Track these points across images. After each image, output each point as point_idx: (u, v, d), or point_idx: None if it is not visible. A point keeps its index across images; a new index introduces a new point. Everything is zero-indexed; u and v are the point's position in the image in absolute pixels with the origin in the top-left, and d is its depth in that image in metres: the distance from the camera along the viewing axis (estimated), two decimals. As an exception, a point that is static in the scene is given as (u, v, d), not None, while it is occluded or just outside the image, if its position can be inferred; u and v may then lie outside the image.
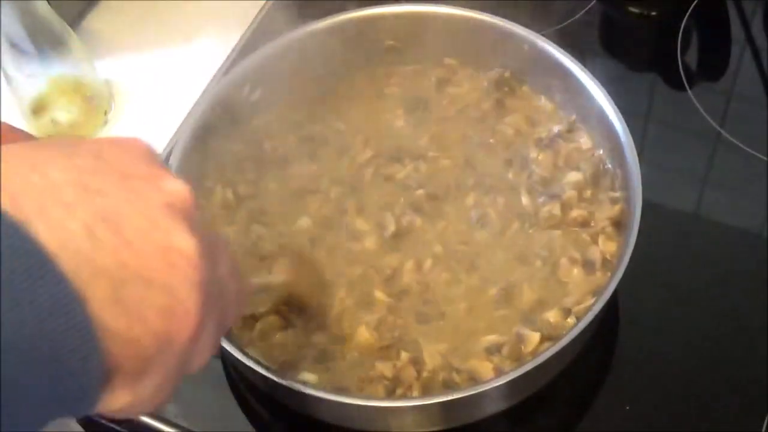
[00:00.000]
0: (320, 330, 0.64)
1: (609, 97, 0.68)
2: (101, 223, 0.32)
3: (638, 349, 0.68)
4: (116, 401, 0.35)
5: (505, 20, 0.74)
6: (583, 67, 0.70)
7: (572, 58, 0.71)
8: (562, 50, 0.72)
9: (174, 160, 0.67)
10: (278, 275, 0.63)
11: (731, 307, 0.70)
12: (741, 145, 0.78)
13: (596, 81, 0.69)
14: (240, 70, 0.73)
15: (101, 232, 0.32)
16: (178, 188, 0.36)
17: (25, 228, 0.30)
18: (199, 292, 0.35)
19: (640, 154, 0.65)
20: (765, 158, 0.77)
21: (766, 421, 0.63)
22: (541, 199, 0.69)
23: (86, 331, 0.31)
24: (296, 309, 0.64)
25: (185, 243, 0.35)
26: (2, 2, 0.72)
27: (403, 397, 0.60)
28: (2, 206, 0.30)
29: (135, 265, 0.33)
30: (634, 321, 0.69)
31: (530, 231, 0.68)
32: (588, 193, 0.69)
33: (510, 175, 0.71)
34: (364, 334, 0.62)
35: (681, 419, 0.64)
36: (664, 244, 0.73)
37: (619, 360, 0.68)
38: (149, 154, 0.37)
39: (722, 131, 0.80)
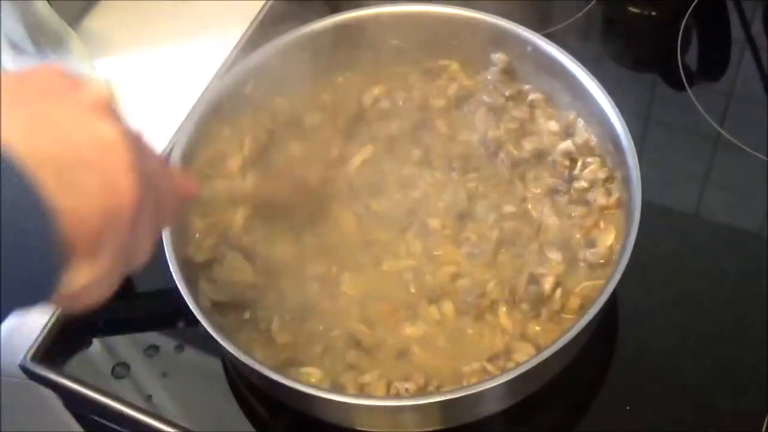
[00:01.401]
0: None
1: (610, 98, 0.68)
2: (38, 124, 0.39)
3: (638, 349, 0.68)
4: (75, 280, 0.40)
5: (507, 20, 0.74)
6: (584, 68, 0.70)
7: (573, 58, 0.71)
8: (563, 51, 0.72)
9: (174, 160, 0.67)
10: (244, 182, 0.68)
11: (731, 307, 0.70)
12: (741, 145, 0.78)
13: (597, 82, 0.69)
14: (240, 69, 0.73)
15: (40, 131, 0.38)
16: (96, 90, 0.42)
17: None
18: (133, 172, 0.41)
19: (640, 154, 0.65)
20: (765, 158, 0.77)
21: (766, 421, 0.63)
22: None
23: (45, 211, 0.37)
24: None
25: (112, 132, 0.41)
26: (2, 2, 0.71)
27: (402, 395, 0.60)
28: None
29: (73, 154, 0.39)
30: (634, 321, 0.69)
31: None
32: (589, 190, 0.69)
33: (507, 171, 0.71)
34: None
35: (681, 419, 0.65)
36: (664, 245, 0.73)
37: (619, 360, 0.68)
38: (62, 73, 0.43)
39: (722, 131, 0.80)
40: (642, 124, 0.82)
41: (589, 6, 0.89)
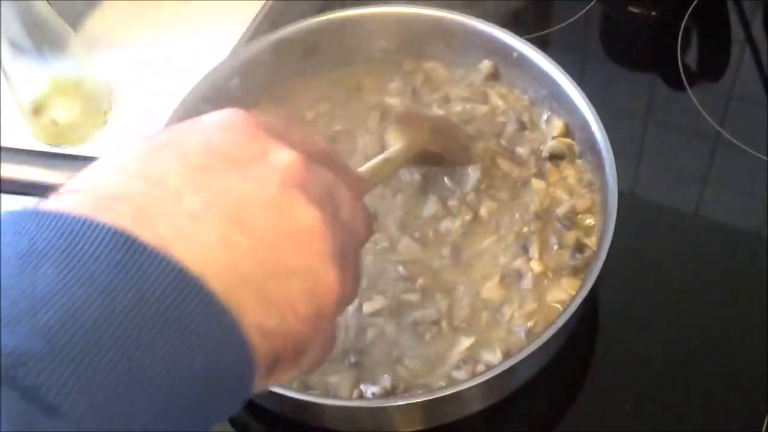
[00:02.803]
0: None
1: (591, 104, 0.67)
2: (230, 227, 0.33)
3: (635, 349, 0.68)
4: (281, 379, 0.36)
5: (494, 25, 0.73)
6: (566, 73, 0.69)
7: (556, 63, 0.70)
8: (546, 56, 0.70)
9: None
10: (393, 144, 0.60)
11: (731, 307, 0.70)
12: (741, 145, 0.78)
13: (579, 89, 0.68)
14: (226, 65, 0.73)
15: (234, 236, 0.33)
16: (286, 160, 0.36)
17: (170, 256, 0.31)
18: (333, 260, 0.36)
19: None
20: (765, 158, 0.77)
21: (766, 421, 0.63)
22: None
23: (245, 344, 0.32)
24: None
25: (308, 218, 0.35)
26: (2, 2, 0.72)
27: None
28: (141, 236, 0.31)
29: (273, 259, 0.33)
30: (631, 320, 0.69)
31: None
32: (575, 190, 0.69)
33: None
34: None
35: (680, 419, 0.64)
36: (663, 244, 0.73)
37: (615, 359, 0.68)
38: (251, 126, 0.37)
39: (722, 131, 0.80)
40: (642, 124, 0.82)
41: (589, 6, 0.89)
